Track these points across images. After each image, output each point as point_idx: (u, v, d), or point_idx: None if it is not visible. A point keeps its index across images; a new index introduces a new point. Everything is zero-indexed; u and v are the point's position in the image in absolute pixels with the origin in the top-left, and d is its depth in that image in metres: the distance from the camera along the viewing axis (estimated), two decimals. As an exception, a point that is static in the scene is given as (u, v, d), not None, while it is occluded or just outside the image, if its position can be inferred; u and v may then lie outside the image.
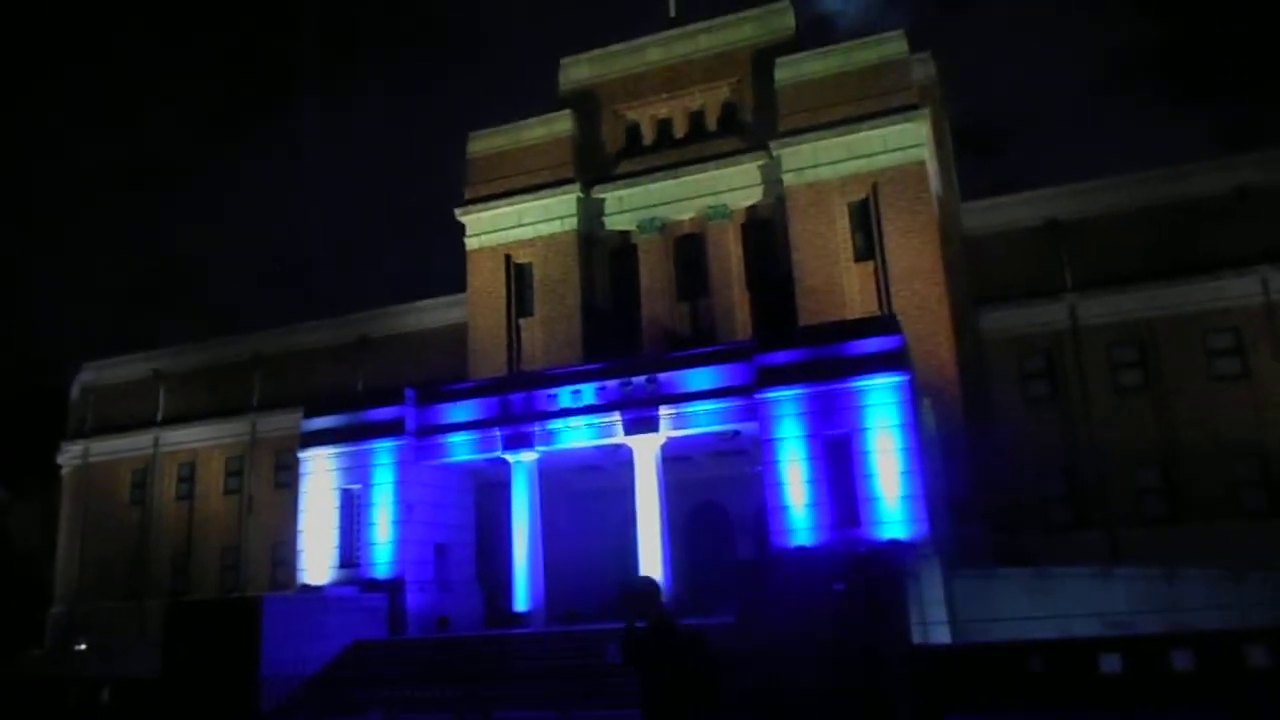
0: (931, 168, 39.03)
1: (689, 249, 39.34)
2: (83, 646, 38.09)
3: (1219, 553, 35.26)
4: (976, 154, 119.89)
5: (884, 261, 35.38)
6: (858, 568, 17.95)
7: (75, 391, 53.62)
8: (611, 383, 27.21)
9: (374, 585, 27.32)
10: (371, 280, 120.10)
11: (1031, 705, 17.18)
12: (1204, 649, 16.39)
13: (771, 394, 24.65)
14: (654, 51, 41.21)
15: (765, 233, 38.26)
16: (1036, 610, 24.37)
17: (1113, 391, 39.59)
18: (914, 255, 35.03)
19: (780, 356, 24.87)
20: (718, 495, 32.76)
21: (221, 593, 47.09)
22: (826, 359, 24.37)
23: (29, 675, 29.30)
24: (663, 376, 26.77)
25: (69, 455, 52.20)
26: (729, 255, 38.37)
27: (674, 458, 30.24)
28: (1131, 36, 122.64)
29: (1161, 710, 16.27)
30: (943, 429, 33.49)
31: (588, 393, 27.40)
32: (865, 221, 36.12)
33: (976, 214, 42.96)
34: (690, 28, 41.08)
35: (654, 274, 39.10)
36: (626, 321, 39.13)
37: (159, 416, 51.67)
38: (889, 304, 35.04)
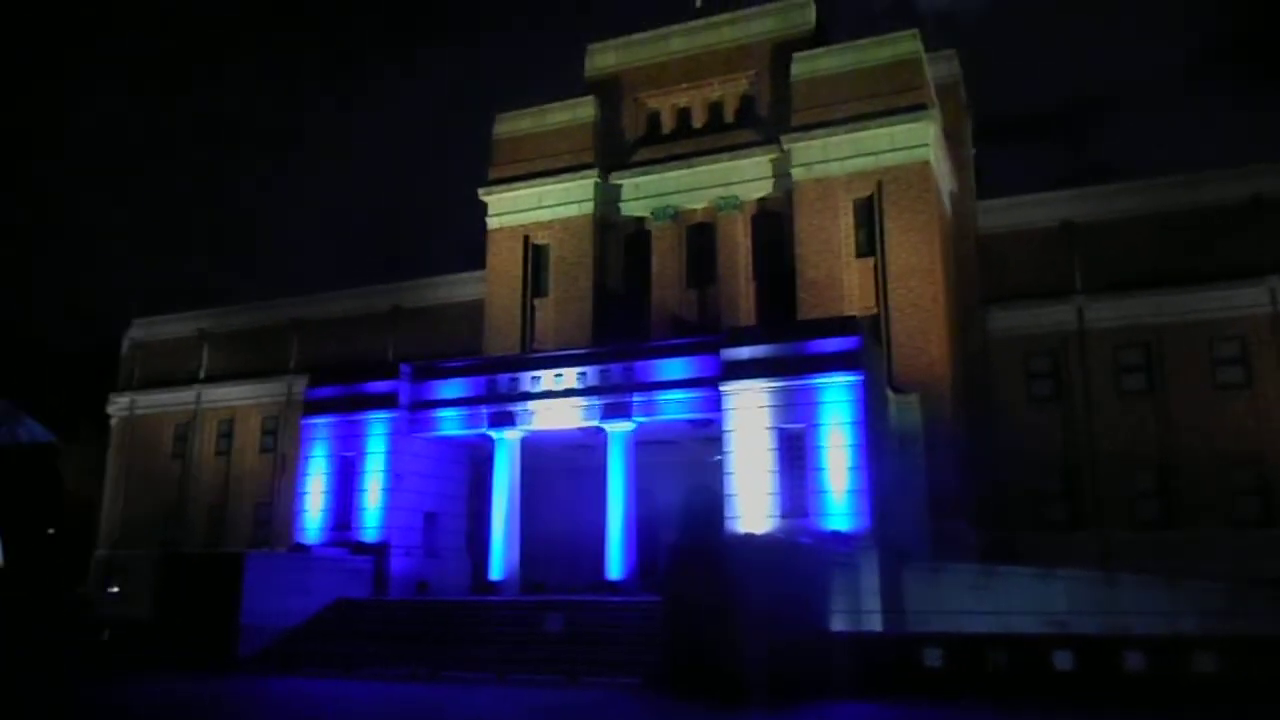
0: (942, 167, 39.30)
1: (700, 237, 40.28)
2: (115, 590, 40.90)
3: (1210, 559, 35.54)
4: (1058, 140, 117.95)
5: (884, 258, 35.91)
6: (763, 559, 19.10)
7: (125, 346, 56.80)
8: (591, 369, 28.54)
9: (363, 548, 29.24)
10: (430, 248, 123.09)
11: (925, 694, 18.19)
12: (1085, 650, 17.19)
13: (734, 386, 25.71)
14: (677, 41, 41.97)
15: (774, 225, 38.98)
16: (979, 605, 25.16)
17: (1116, 394, 39.69)
18: (913, 253, 35.49)
19: (744, 351, 25.88)
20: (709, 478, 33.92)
21: (254, 545, 49.81)
22: (787, 356, 25.32)
23: (55, 613, 31.93)
24: (638, 365, 28.00)
25: (117, 407, 55.50)
26: (738, 245, 39.23)
27: (662, 441, 31.57)
28: (1219, 24, 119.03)
29: (1045, 704, 17.15)
30: (930, 425, 34.13)
31: (569, 377, 28.78)
32: (869, 218, 36.63)
33: (994, 213, 43.10)
34: (714, 19, 41.71)
35: (665, 260, 40.17)
36: (636, 305, 40.32)
37: (202, 374, 54.56)
38: (886, 300, 35.65)
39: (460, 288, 48.89)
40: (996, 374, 41.32)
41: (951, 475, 34.62)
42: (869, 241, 36.49)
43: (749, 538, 23.69)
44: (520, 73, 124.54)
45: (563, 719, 17.50)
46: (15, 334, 74.90)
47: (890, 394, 33.33)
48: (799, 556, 20.13)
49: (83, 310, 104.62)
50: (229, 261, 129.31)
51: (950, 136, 42.34)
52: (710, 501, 28.50)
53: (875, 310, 35.90)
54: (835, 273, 36.43)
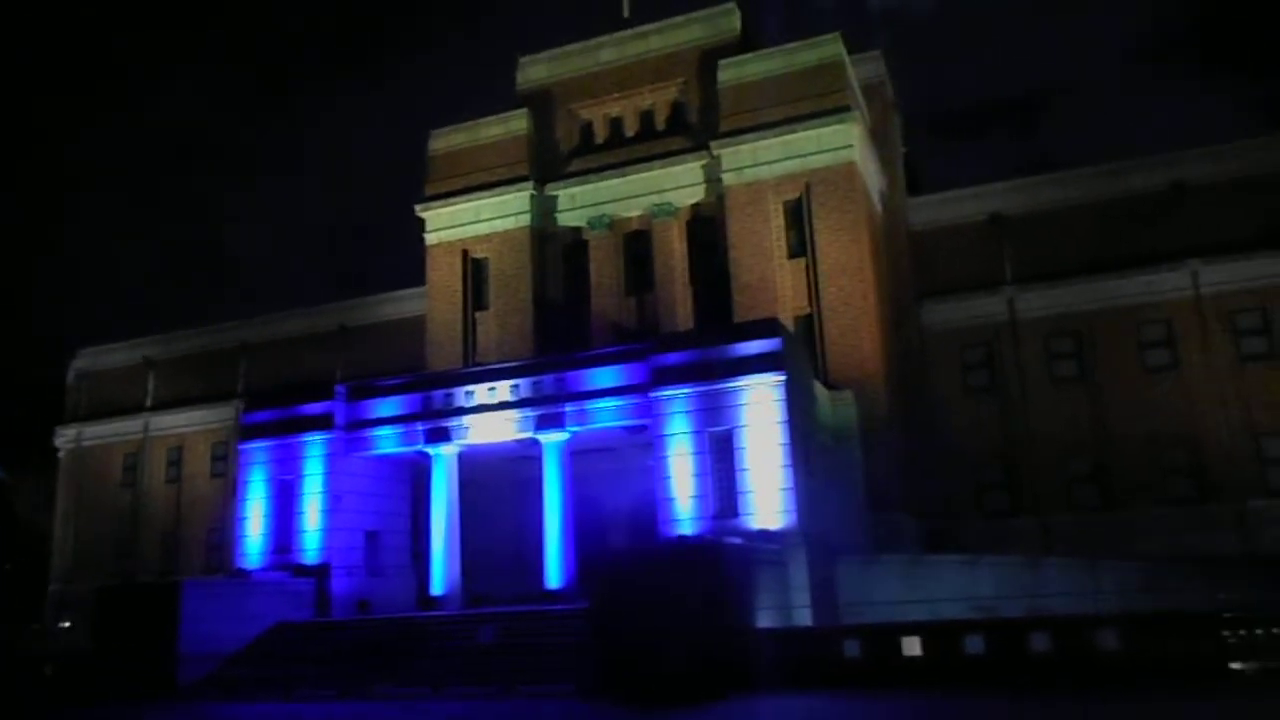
0: (869, 166, 40.06)
1: (637, 245, 40.75)
2: (66, 624, 40.51)
3: (1147, 539, 36.63)
4: (1008, 131, 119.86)
5: (814, 258, 36.56)
6: (684, 560, 19.54)
7: (71, 376, 56.27)
8: (524, 380, 28.87)
9: (304, 570, 29.31)
10: (380, 265, 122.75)
11: (846, 685, 18.72)
12: (994, 634, 17.79)
13: (664, 392, 26.15)
14: (607, 52, 42.44)
15: (708, 230, 39.53)
16: (910, 594, 25.89)
17: (1049, 382, 40.69)
18: (842, 252, 36.15)
19: (672, 358, 26.33)
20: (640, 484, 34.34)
21: (207, 571, 49.56)
22: (713, 360, 25.79)
23: (3, 650, 31.66)
24: (570, 375, 28.37)
25: (64, 439, 54.99)
26: (673, 251, 39.72)
27: (601, 449, 31.95)
28: (1165, 10, 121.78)
29: (956, 688, 17.72)
30: (866, 420, 34.80)
31: (502, 390, 29.10)
32: (799, 220, 37.27)
33: (925, 209, 44.06)
34: (642, 28, 42.23)
35: (603, 269, 40.58)
36: (577, 314, 40.70)
37: (149, 402, 54.21)
38: (818, 300, 36.30)
39: (405, 304, 49.07)
40: (933, 367, 42.21)
41: (889, 468, 35.31)
42: (800, 242, 37.14)
43: (671, 540, 24.12)
44: (456, 88, 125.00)
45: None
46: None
47: (825, 391, 33.97)
48: (721, 556, 20.58)
49: (30, 340, 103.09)
50: (179, 285, 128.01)
51: (878, 136, 43.17)
52: (635, 507, 29.04)
53: (808, 310, 36.57)
54: (768, 275, 37.02)
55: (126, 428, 54.03)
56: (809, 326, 36.45)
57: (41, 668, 26.47)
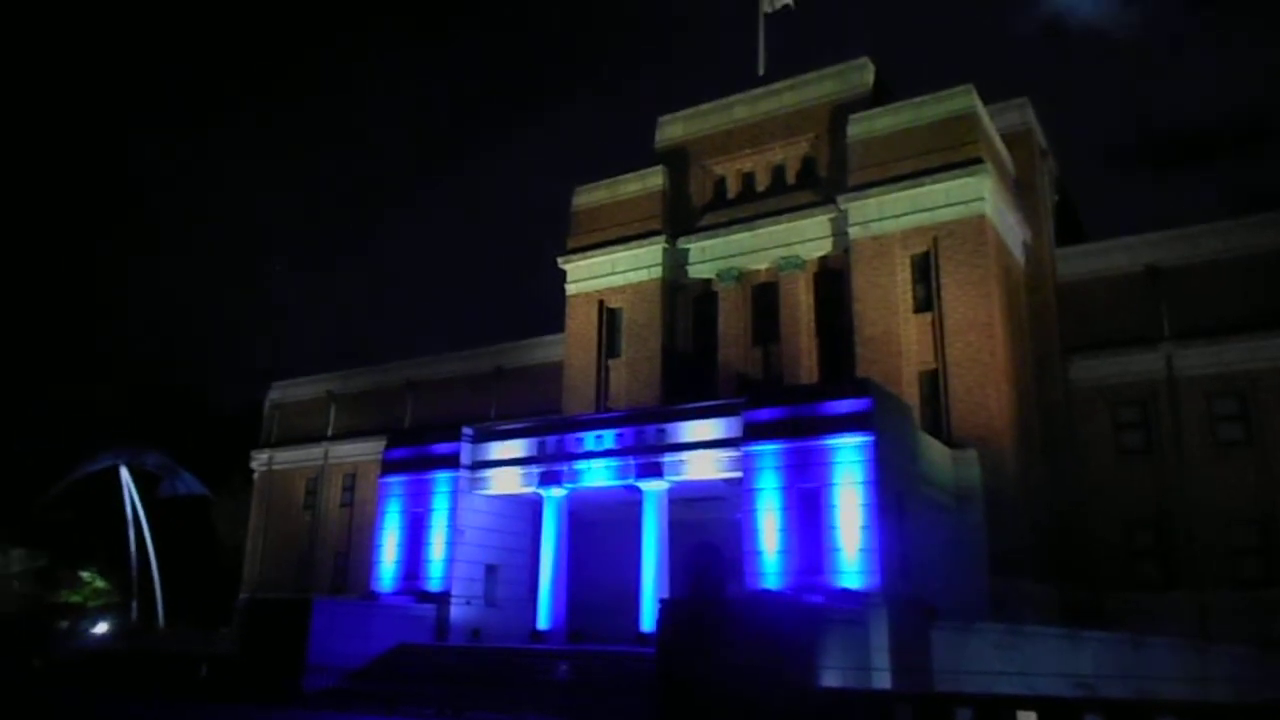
0: (1007, 218, 39.10)
1: (764, 297, 41.45)
2: (242, 629, 45.11)
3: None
4: (1225, 157, 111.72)
5: (941, 313, 36.05)
6: (750, 614, 20.09)
7: (267, 406, 62.74)
8: (629, 430, 30.22)
9: (427, 596, 31.73)
10: (530, 311, 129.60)
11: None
12: (1048, 712, 17.24)
13: (755, 447, 26.74)
14: (741, 109, 43.66)
15: (834, 282, 39.73)
16: (1007, 666, 25.07)
17: (1210, 445, 38.00)
18: (970, 307, 35.47)
19: (764, 414, 26.90)
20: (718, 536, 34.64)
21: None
22: (803, 417, 26.15)
23: (184, 651, 35.92)
24: (670, 427, 29.47)
25: (258, 462, 61.26)
26: (799, 304, 40.15)
27: (710, 498, 32.77)
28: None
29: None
30: (991, 480, 33.80)
31: (609, 438, 30.56)
32: (926, 274, 36.89)
33: (1075, 260, 42.34)
34: (775, 85, 43.19)
35: (731, 320, 41.52)
36: (704, 364, 41.78)
37: (329, 432, 59.53)
38: (944, 355, 35.71)
39: (552, 348, 51.57)
40: (1082, 425, 40.23)
41: (1017, 531, 34.04)
42: (926, 297, 36.71)
43: (743, 592, 24.55)
44: (598, 146, 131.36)
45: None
46: (178, 395, 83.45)
47: (944, 450, 33.36)
48: (784, 610, 20.97)
49: (239, 374, 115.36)
50: (353, 326, 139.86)
51: (1024, 185, 42.08)
52: (712, 558, 29.48)
53: (934, 365, 36.00)
54: (893, 328, 36.77)
55: (310, 454, 59.49)
56: (934, 382, 35.88)
57: (199, 667, 30.02)
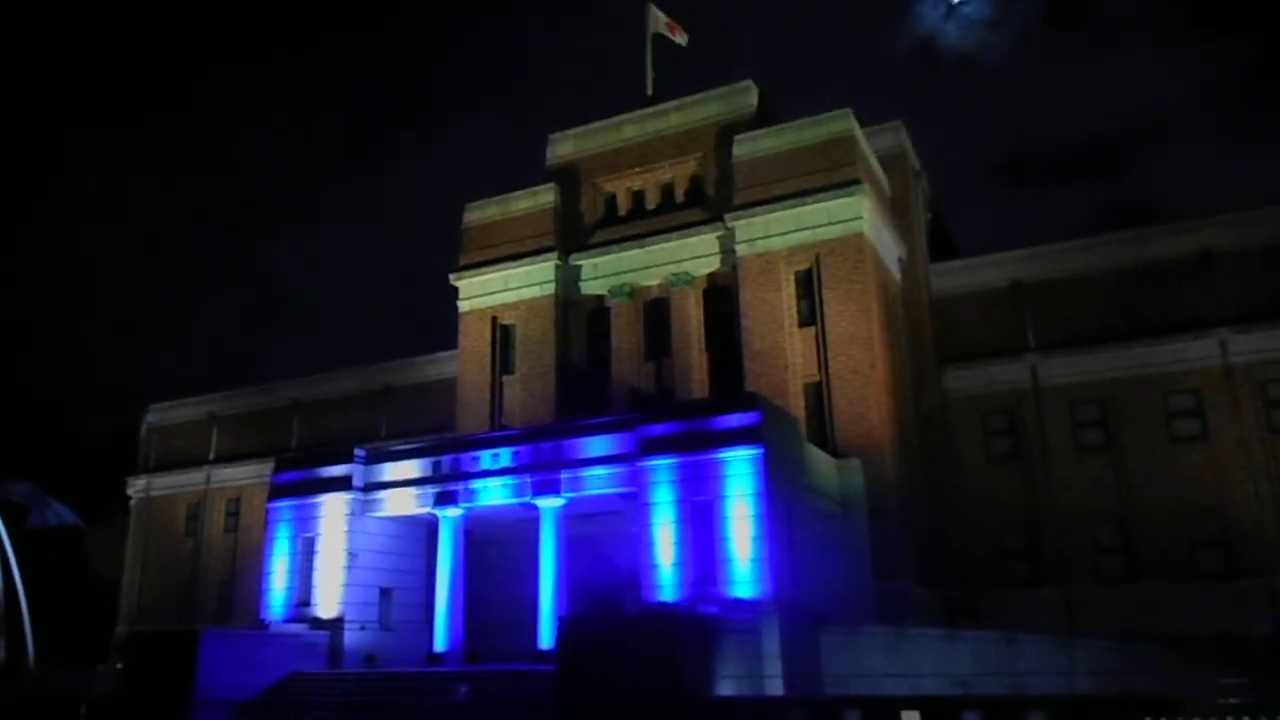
0: (884, 236, 40.88)
1: (656, 312, 42.21)
2: (121, 666, 43.10)
3: (1172, 614, 35.87)
4: (1089, 176, 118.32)
5: (824, 327, 37.40)
6: (641, 627, 20.53)
7: (143, 430, 60.13)
8: (525, 448, 30.42)
9: (320, 623, 31.13)
10: (419, 328, 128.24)
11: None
12: (929, 711, 18.20)
13: (649, 462, 27.30)
14: (630, 129, 44.42)
15: (723, 298, 40.77)
16: (892, 668, 26.21)
17: (1073, 450, 40.40)
18: (851, 322, 36.94)
19: (658, 429, 27.52)
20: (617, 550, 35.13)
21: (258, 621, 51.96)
22: (695, 432, 26.87)
23: (49, 692, 34.12)
24: (565, 443, 29.82)
25: (135, 489, 58.66)
26: (690, 319, 41.05)
27: (605, 513, 33.13)
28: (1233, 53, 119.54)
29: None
30: (874, 488, 35.20)
31: (505, 456, 30.68)
32: (809, 289, 38.23)
33: (948, 276, 44.50)
34: (663, 105, 44.13)
35: (623, 336, 42.10)
36: (598, 379, 42.23)
37: (211, 455, 57.48)
38: (827, 368, 37.06)
39: (445, 365, 51.13)
40: (955, 434, 42.28)
41: (899, 537, 35.51)
42: (810, 312, 38.04)
43: (636, 606, 25.04)
44: (489, 160, 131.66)
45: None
46: (43, 421, 79.09)
47: (830, 460, 34.60)
48: (679, 622, 21.50)
49: (109, 396, 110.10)
50: (232, 343, 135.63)
51: (898, 205, 44.04)
52: (609, 573, 30.00)
53: (818, 378, 37.33)
54: (779, 343, 37.97)
55: (191, 479, 57.34)
56: (818, 394, 37.19)
57: (78, 708, 28.63)
